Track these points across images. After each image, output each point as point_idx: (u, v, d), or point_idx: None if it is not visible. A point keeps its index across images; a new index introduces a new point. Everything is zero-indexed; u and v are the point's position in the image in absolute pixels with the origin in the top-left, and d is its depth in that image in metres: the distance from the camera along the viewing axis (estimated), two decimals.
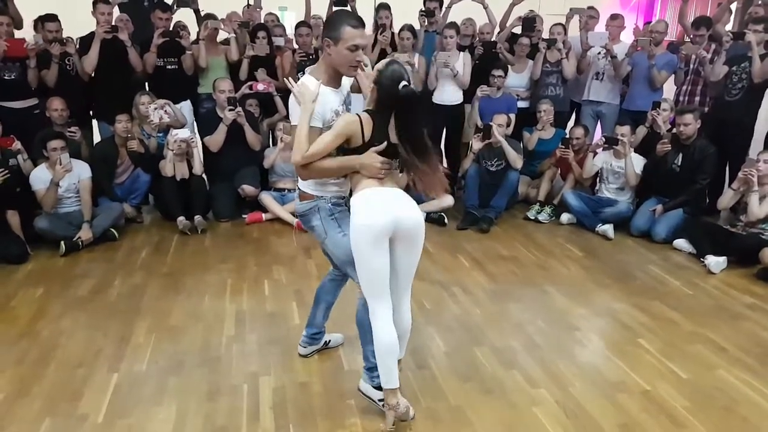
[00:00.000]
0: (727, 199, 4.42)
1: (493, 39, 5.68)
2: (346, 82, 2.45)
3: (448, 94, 5.34)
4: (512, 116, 5.24)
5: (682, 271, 4.09)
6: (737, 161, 4.68)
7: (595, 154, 4.96)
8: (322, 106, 2.28)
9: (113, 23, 4.86)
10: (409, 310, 2.46)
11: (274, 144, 5.27)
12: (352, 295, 2.97)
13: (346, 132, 2.24)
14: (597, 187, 5.08)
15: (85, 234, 4.22)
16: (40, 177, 4.17)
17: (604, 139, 4.89)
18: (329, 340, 2.97)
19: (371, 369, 2.46)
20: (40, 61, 4.66)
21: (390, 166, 2.28)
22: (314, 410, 2.53)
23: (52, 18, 4.83)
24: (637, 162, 4.79)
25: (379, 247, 2.22)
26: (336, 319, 2.92)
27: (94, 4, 4.87)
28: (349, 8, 5.38)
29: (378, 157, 2.24)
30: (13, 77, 4.60)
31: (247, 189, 4.89)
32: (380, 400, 2.43)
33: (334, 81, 2.37)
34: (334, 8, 5.53)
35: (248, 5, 6.18)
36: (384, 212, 2.21)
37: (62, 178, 4.14)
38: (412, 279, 2.42)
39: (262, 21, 5.74)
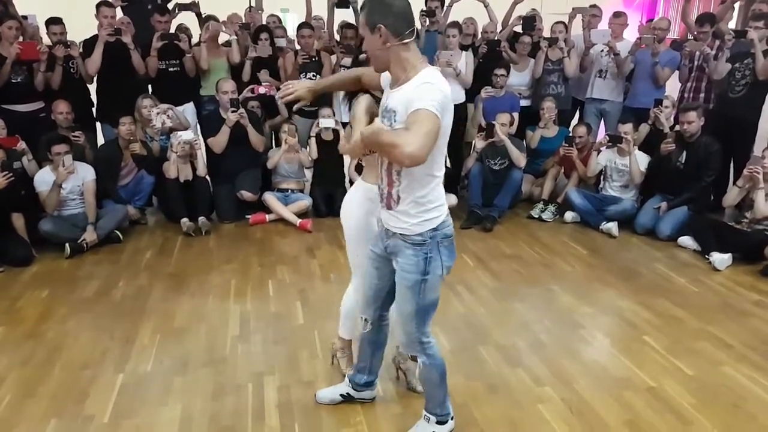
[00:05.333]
0: (732, 196, 4.40)
1: (497, 38, 5.68)
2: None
3: (451, 94, 5.32)
4: (515, 115, 5.24)
5: (687, 269, 4.08)
6: (742, 158, 4.66)
7: (599, 152, 4.95)
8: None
9: (115, 26, 4.88)
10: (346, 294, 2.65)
11: (277, 145, 5.28)
12: None
13: None
14: (601, 185, 5.07)
15: (89, 236, 4.24)
16: (44, 179, 4.19)
17: (607, 138, 4.88)
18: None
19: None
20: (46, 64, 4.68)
21: None
22: (319, 409, 2.53)
23: (56, 21, 4.85)
24: (642, 159, 4.78)
25: None
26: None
27: (98, 6, 4.89)
28: (351, 9, 5.39)
29: None
30: (19, 80, 4.62)
31: (246, 195, 4.90)
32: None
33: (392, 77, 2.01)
34: (335, 10, 5.56)
35: (250, 7, 6.19)
36: None
37: (65, 180, 4.16)
38: (350, 260, 2.57)
39: (264, 23, 5.75)
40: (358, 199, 2.43)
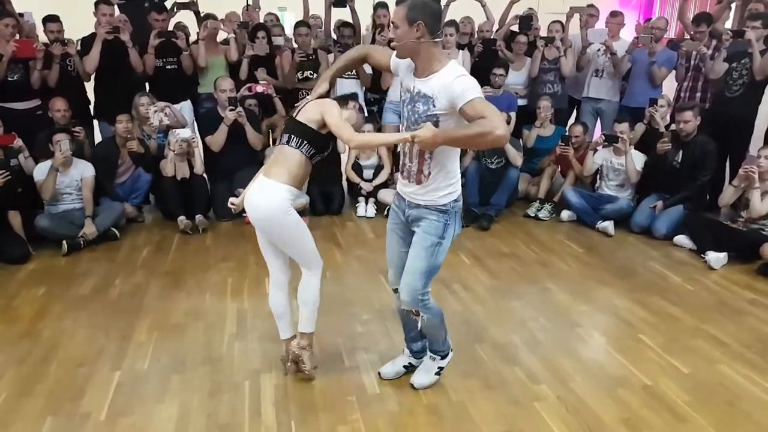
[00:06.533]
0: (728, 195, 4.41)
1: (493, 37, 5.69)
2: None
3: None
4: (512, 114, 5.25)
5: (683, 267, 4.09)
6: (737, 157, 4.68)
7: (595, 151, 4.97)
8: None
9: (113, 24, 4.87)
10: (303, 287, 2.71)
11: (274, 143, 5.27)
12: None
13: None
14: (597, 184, 5.08)
15: (89, 228, 4.24)
16: (42, 170, 4.20)
17: (603, 137, 4.89)
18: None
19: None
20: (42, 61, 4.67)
21: None
22: (316, 406, 2.54)
23: (53, 18, 4.85)
24: (638, 159, 4.79)
25: None
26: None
27: (96, 4, 4.89)
28: (348, 8, 5.39)
29: None
30: (15, 78, 4.62)
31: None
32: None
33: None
34: (333, 9, 5.55)
35: (247, 6, 6.19)
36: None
37: (61, 164, 4.16)
38: (298, 258, 2.64)
39: (261, 21, 5.75)
40: (279, 201, 2.46)
